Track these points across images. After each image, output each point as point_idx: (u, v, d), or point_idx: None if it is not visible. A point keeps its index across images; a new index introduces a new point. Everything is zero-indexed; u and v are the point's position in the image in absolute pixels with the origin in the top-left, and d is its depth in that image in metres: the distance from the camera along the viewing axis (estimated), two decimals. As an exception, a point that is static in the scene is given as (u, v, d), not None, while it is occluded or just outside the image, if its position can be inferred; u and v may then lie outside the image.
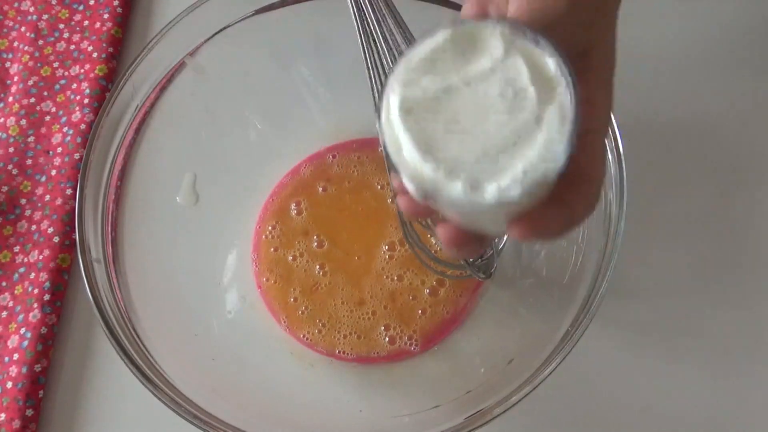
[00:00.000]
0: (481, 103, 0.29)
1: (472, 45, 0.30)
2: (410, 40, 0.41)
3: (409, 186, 0.29)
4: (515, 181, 0.27)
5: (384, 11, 0.41)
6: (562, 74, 0.28)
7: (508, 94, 0.29)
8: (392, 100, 0.29)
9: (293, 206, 0.52)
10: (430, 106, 0.29)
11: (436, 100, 0.29)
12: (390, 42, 0.41)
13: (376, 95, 0.42)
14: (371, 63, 0.42)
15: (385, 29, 0.41)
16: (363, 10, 0.41)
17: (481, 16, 0.33)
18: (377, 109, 0.29)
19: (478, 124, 0.28)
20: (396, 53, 0.41)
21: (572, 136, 0.28)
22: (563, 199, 0.29)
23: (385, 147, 0.29)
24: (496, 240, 0.47)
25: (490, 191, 0.27)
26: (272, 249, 0.51)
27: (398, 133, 0.29)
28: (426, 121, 0.29)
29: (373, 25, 0.41)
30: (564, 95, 0.28)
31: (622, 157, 0.41)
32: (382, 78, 0.42)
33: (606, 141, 0.42)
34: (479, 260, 0.46)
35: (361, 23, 0.41)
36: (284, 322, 0.49)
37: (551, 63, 0.29)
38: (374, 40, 0.41)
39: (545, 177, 0.27)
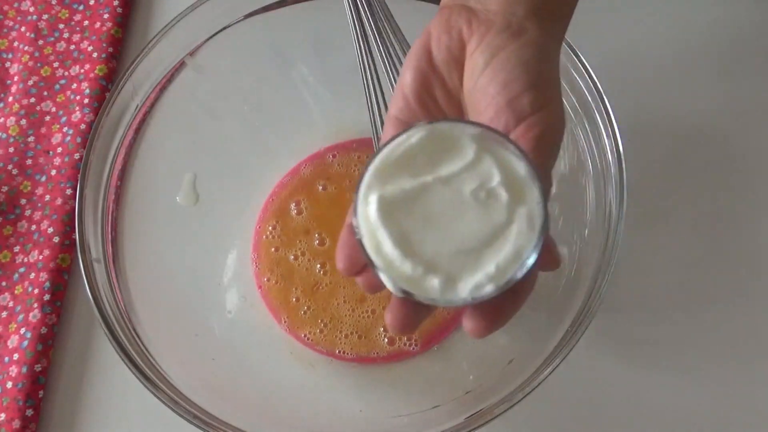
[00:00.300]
0: (456, 202, 0.30)
1: (446, 144, 0.31)
2: (402, 41, 0.41)
3: (386, 281, 0.30)
4: (488, 279, 0.29)
5: (379, 14, 0.41)
6: (532, 181, 0.30)
7: (481, 195, 0.30)
8: (371, 199, 0.30)
9: (293, 206, 0.52)
10: (407, 203, 0.30)
11: (412, 198, 0.30)
12: (387, 44, 0.41)
13: (372, 97, 0.43)
14: (366, 66, 0.42)
15: (383, 32, 0.41)
16: (360, 12, 0.41)
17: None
18: (354, 204, 0.30)
19: (453, 222, 0.30)
20: (392, 55, 0.41)
21: (540, 244, 0.29)
22: (513, 288, 0.30)
23: (361, 243, 0.30)
24: None
25: (464, 290, 0.29)
26: (273, 249, 0.51)
27: (377, 231, 0.30)
28: (403, 218, 0.30)
29: (370, 27, 0.41)
30: (535, 207, 0.30)
31: (622, 157, 0.41)
32: (376, 81, 0.42)
33: (606, 141, 0.42)
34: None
35: (357, 26, 0.41)
36: (285, 321, 0.49)
37: (521, 167, 0.30)
38: (369, 43, 0.41)
39: (514, 278, 0.29)
